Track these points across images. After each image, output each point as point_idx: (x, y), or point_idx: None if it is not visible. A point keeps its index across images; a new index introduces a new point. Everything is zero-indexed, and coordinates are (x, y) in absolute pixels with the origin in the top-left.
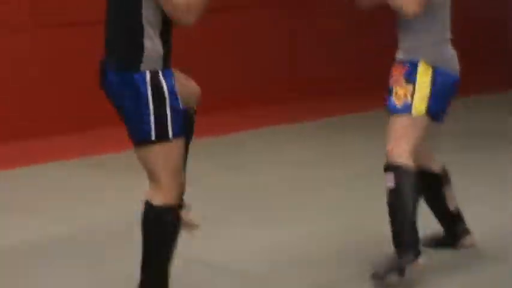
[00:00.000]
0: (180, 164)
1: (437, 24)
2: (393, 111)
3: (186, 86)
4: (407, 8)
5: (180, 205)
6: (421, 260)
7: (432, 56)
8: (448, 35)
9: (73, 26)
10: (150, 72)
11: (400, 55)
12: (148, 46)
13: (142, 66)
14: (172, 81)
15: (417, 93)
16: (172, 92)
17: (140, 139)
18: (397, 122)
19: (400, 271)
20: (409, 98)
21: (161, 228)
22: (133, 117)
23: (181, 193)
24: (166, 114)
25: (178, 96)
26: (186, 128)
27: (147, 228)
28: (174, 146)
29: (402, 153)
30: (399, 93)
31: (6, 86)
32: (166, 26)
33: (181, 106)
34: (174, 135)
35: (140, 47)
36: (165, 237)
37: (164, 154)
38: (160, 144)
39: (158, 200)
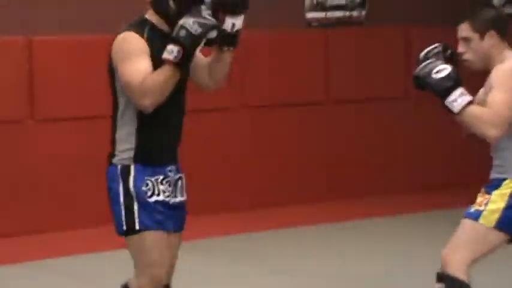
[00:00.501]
0: (156, 257)
1: None
2: (465, 215)
3: (170, 254)
4: (488, 133)
5: None
6: None
7: None
8: None
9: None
10: (122, 166)
11: (491, 174)
12: (122, 139)
13: (115, 160)
14: (143, 178)
15: (491, 203)
16: (139, 187)
17: (117, 231)
18: (463, 227)
19: None
20: (482, 206)
21: None
22: (111, 209)
23: (159, 284)
24: (133, 209)
25: (148, 196)
26: (165, 221)
27: None
28: (146, 239)
29: (459, 264)
30: (477, 201)
31: None
32: (147, 120)
33: (152, 200)
34: (143, 228)
35: (114, 140)
36: None
37: (136, 247)
38: (131, 237)
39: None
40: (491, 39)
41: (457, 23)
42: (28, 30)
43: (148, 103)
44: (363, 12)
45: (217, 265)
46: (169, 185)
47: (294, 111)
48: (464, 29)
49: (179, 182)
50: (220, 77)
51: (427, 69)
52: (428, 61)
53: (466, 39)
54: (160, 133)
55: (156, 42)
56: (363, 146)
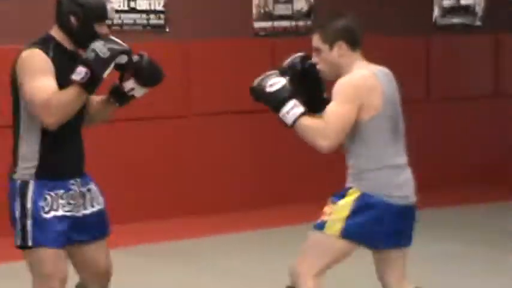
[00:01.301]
0: (50, 270)
1: (373, 150)
2: (312, 226)
3: (93, 263)
4: (320, 144)
5: None
6: None
7: (366, 182)
8: (395, 160)
9: None
10: (21, 182)
11: (348, 175)
12: (24, 155)
13: (15, 176)
14: (40, 195)
15: (335, 213)
16: (37, 203)
17: (15, 244)
18: (310, 238)
19: None
20: (327, 216)
21: None
22: (10, 223)
23: None
24: (27, 225)
25: (44, 213)
26: (69, 233)
27: None
28: (39, 254)
29: (308, 275)
30: (324, 211)
31: None
32: (50, 135)
33: (48, 216)
34: (36, 244)
35: (16, 156)
36: None
37: (30, 261)
38: (26, 252)
39: None
40: (340, 50)
41: (311, 33)
42: None
43: (53, 121)
44: (309, 23)
45: (162, 269)
46: (73, 199)
47: (242, 119)
48: (315, 40)
49: (88, 194)
50: (96, 121)
51: (262, 82)
52: (265, 74)
53: (317, 50)
54: (63, 148)
55: (60, 60)
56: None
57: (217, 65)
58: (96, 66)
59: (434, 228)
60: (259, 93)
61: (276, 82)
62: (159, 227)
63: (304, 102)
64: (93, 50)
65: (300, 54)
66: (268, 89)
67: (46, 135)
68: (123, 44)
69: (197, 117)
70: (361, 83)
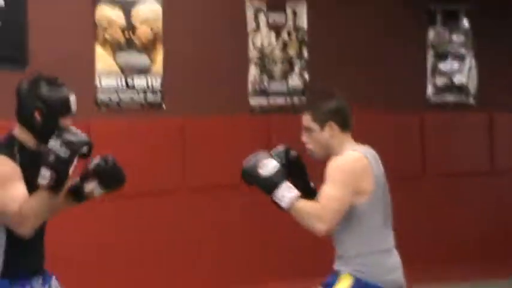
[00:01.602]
0: None
1: (365, 234)
2: None
3: None
4: (316, 227)
5: None
6: None
7: (359, 267)
8: (386, 243)
9: None
10: None
11: (336, 257)
12: None
13: None
14: None
15: None
16: None
17: None
18: None
19: None
20: None
21: None
22: None
23: None
24: None
25: None
26: None
27: None
28: None
29: None
30: None
31: None
32: (14, 237)
33: None
34: None
35: None
36: None
37: None
38: None
39: None
40: (330, 130)
41: (301, 112)
42: None
43: (28, 230)
44: (304, 100)
45: None
46: None
47: (237, 194)
48: (305, 120)
49: None
50: (56, 213)
51: (253, 164)
52: (255, 156)
53: (308, 129)
54: (28, 248)
55: (27, 163)
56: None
57: (213, 141)
58: (59, 167)
59: None
60: (251, 176)
61: (268, 164)
62: None
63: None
64: (52, 151)
65: (282, 146)
66: (261, 172)
67: (10, 236)
68: (80, 135)
69: (192, 192)
70: (355, 166)
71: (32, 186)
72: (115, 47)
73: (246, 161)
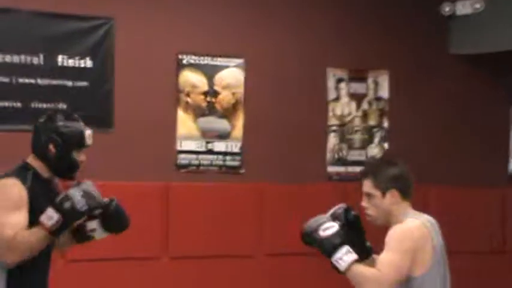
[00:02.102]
0: None
1: None
2: None
3: None
4: None
5: None
6: None
7: None
8: None
9: None
10: None
11: None
12: None
13: None
14: None
15: None
16: None
17: None
18: None
19: None
20: None
21: None
22: None
23: None
24: None
25: None
26: None
27: None
28: None
29: None
30: None
31: None
32: (19, 269)
33: None
34: None
35: None
36: None
37: None
38: None
39: None
40: (392, 198)
41: (361, 178)
42: None
43: (13, 259)
44: None
45: None
46: None
47: (310, 261)
48: (367, 185)
49: None
50: (65, 251)
51: (314, 226)
52: (316, 218)
53: (369, 195)
54: (29, 282)
55: (37, 191)
56: None
57: (290, 207)
58: (70, 217)
59: None
60: (312, 237)
61: (329, 227)
62: None
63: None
64: (70, 200)
65: (343, 205)
66: (322, 234)
67: (12, 270)
68: (99, 196)
69: (269, 257)
70: (415, 235)
71: (37, 214)
72: (196, 112)
73: (307, 223)
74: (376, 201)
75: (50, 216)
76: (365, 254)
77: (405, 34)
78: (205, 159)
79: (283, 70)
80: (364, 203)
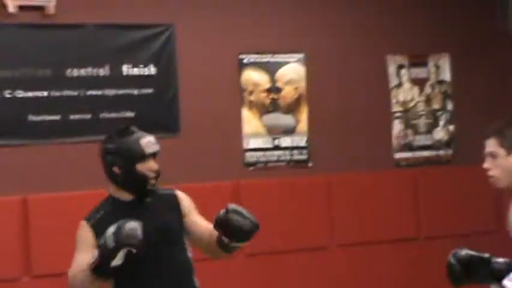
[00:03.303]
0: None
1: None
2: None
3: None
4: None
5: None
6: None
7: None
8: None
9: None
10: None
11: None
12: None
13: None
14: None
15: None
16: None
17: None
18: None
19: None
20: None
21: None
22: None
23: None
24: None
25: None
26: None
27: None
28: None
29: None
30: None
31: None
32: (122, 280)
33: None
34: None
35: None
36: None
37: None
38: None
39: None
40: None
41: (485, 138)
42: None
43: None
44: (449, 152)
45: None
46: None
47: (384, 249)
48: (491, 145)
49: None
50: (223, 256)
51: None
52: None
53: (493, 155)
54: None
55: (115, 214)
56: None
57: (359, 196)
58: (102, 255)
59: None
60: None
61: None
62: None
63: None
64: (104, 237)
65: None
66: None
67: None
68: (137, 233)
69: (342, 248)
70: None
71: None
72: (261, 109)
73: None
74: (500, 161)
75: (93, 255)
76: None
77: (461, 15)
78: (273, 155)
79: (343, 61)
80: (487, 164)
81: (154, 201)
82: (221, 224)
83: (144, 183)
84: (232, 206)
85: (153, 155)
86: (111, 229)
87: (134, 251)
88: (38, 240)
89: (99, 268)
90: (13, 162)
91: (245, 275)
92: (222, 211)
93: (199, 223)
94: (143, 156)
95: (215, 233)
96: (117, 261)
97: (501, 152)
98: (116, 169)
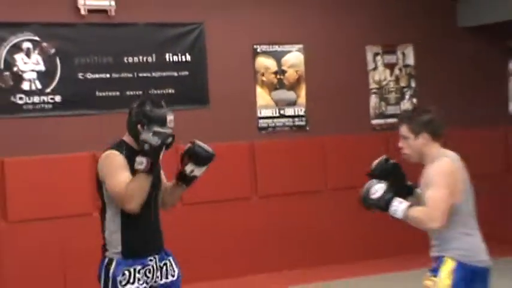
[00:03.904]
0: None
1: (459, 221)
2: None
3: None
4: (430, 227)
5: None
6: None
7: (455, 251)
8: (474, 226)
9: None
10: (108, 259)
11: (431, 251)
12: (110, 239)
13: (106, 254)
14: (120, 270)
15: (439, 283)
16: (114, 277)
17: None
18: None
19: None
20: None
21: None
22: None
23: None
24: None
25: (122, 286)
26: None
27: None
28: None
29: None
30: (427, 284)
31: None
32: (129, 221)
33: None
34: None
35: (104, 239)
36: None
37: None
38: None
39: None
40: (423, 140)
41: (398, 124)
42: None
43: (133, 206)
44: None
45: None
46: (149, 272)
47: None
48: (403, 129)
49: (165, 267)
50: (170, 203)
51: (365, 193)
52: (366, 186)
53: (404, 137)
54: (141, 231)
55: (131, 158)
56: None
57: (346, 153)
58: (152, 154)
59: None
60: (367, 203)
61: (377, 189)
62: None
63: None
64: (146, 142)
65: (384, 157)
66: (374, 197)
67: (126, 221)
68: (164, 128)
69: (334, 192)
70: (452, 170)
71: (133, 174)
72: (270, 87)
73: (361, 192)
74: (410, 143)
75: (140, 162)
76: (409, 192)
77: (422, 13)
78: (279, 122)
79: (332, 50)
80: (401, 144)
81: None
82: (188, 152)
83: None
84: (197, 141)
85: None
86: (146, 134)
87: (171, 139)
88: None
89: (151, 167)
90: (85, 127)
91: (259, 214)
92: (188, 144)
93: (163, 176)
94: (164, 124)
95: (171, 183)
96: (189, 168)
97: (411, 135)
98: (140, 127)
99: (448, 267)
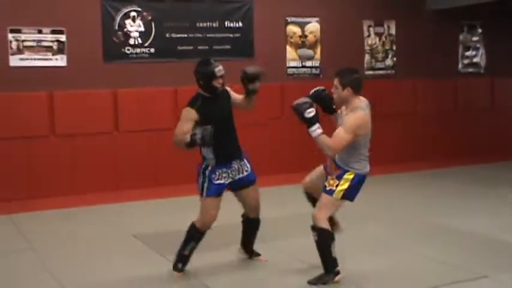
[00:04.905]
0: (210, 209)
1: (360, 149)
2: (323, 190)
3: (247, 199)
4: (327, 153)
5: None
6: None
7: (356, 167)
8: (367, 153)
9: None
10: (205, 165)
11: (337, 161)
12: (205, 154)
13: (204, 161)
14: (213, 172)
15: (340, 186)
16: (210, 176)
17: (197, 191)
18: (323, 198)
19: (325, 283)
20: (334, 187)
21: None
22: (197, 184)
23: (209, 223)
24: (204, 186)
25: (214, 181)
26: (219, 192)
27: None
28: (206, 201)
29: (323, 220)
30: (330, 182)
31: None
32: (216, 142)
33: (215, 182)
34: (206, 195)
35: (202, 153)
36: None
37: (202, 203)
38: (201, 198)
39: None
40: (347, 92)
41: (335, 76)
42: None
43: (174, 144)
44: (393, 72)
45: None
46: (232, 171)
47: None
48: (335, 81)
49: (241, 167)
50: (250, 107)
51: (302, 108)
52: (304, 102)
53: (335, 87)
54: (224, 147)
55: (205, 105)
56: None
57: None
58: (191, 140)
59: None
60: (299, 115)
61: (311, 111)
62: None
63: (323, 110)
64: (196, 134)
65: (322, 87)
66: (306, 115)
67: (215, 142)
68: (206, 135)
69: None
70: (361, 123)
71: (207, 117)
72: (296, 46)
73: (298, 101)
74: (338, 92)
75: (196, 137)
76: (332, 112)
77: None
78: (301, 71)
79: (340, 22)
80: (333, 90)
81: (220, 96)
82: (244, 75)
83: (215, 89)
84: (246, 68)
85: (221, 76)
86: (198, 132)
87: (200, 141)
88: None
89: (188, 144)
90: (169, 70)
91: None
92: (243, 71)
93: (236, 96)
94: (215, 77)
95: (243, 97)
96: (251, 86)
97: (340, 87)
98: (201, 82)
99: (349, 176)
